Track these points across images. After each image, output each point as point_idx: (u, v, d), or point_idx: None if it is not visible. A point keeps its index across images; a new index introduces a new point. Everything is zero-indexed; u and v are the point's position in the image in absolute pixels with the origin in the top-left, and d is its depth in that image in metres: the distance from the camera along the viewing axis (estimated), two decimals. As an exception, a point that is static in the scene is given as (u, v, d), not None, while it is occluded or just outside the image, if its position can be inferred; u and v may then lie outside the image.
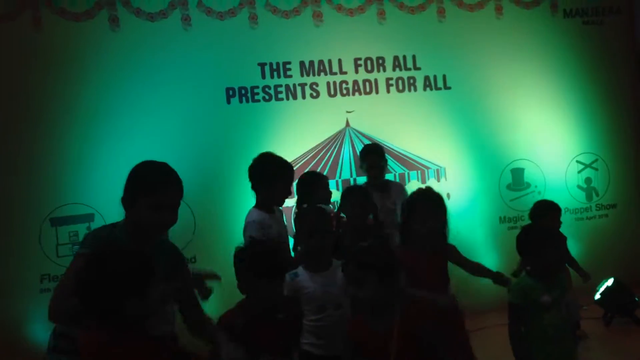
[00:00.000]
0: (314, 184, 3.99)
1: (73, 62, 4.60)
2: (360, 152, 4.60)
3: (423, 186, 3.39)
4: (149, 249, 2.18)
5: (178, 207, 2.24)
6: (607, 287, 4.87)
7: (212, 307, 4.60)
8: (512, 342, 2.81)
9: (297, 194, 4.03)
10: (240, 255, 2.49)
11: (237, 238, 4.84)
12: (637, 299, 4.81)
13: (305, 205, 3.64)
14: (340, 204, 3.81)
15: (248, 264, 2.42)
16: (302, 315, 2.67)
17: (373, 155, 4.43)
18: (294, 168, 4.89)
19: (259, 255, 2.46)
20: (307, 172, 4.44)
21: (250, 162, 4.87)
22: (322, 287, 2.83)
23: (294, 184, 3.87)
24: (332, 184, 5.11)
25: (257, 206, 3.43)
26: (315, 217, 2.99)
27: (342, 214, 3.85)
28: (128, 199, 2.20)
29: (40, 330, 4.43)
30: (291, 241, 3.70)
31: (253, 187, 3.47)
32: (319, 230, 2.88)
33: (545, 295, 2.75)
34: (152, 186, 2.16)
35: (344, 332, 2.58)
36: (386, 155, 4.59)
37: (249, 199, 4.92)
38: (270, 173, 3.38)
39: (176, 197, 2.22)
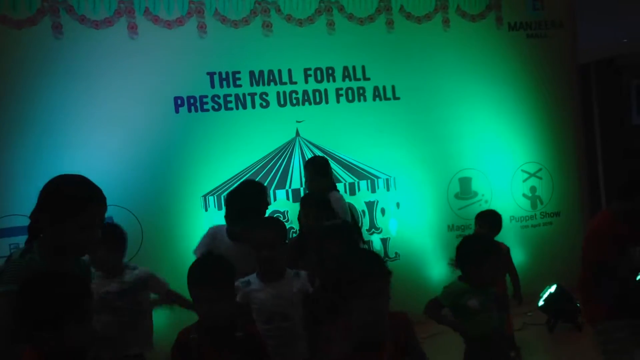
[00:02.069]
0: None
1: (14, 72, 4.47)
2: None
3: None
4: (69, 268, 2.11)
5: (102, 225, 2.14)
6: (550, 294, 5.00)
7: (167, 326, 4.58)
8: (437, 318, 2.91)
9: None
10: (189, 271, 2.48)
11: (185, 250, 4.83)
12: (579, 304, 4.94)
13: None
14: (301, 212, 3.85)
15: (190, 279, 2.40)
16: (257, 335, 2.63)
17: (306, 170, 4.51)
18: (244, 178, 4.97)
19: (201, 268, 2.44)
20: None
21: (198, 173, 4.91)
22: (272, 298, 2.82)
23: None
24: (281, 193, 5.12)
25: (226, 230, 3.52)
26: (267, 227, 2.98)
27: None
28: (46, 219, 2.02)
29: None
30: None
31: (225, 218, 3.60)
32: (269, 244, 2.86)
33: (473, 300, 2.81)
34: (78, 205, 2.01)
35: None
36: (333, 165, 4.63)
37: (197, 210, 4.92)
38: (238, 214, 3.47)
39: (103, 214, 2.10)
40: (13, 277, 1.93)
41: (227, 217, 3.61)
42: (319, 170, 4.41)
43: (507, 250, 4.36)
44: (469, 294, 2.82)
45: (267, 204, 3.96)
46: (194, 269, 2.46)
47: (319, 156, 4.82)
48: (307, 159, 5.14)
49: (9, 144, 4.47)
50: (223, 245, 3.43)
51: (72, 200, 2.02)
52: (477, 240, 3.04)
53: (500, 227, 4.39)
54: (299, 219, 3.95)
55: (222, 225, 3.62)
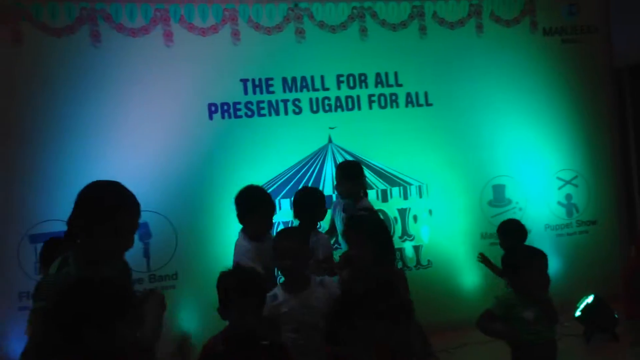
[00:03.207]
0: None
1: (55, 78, 4.56)
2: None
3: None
4: (105, 274, 2.10)
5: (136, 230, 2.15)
6: (588, 304, 4.90)
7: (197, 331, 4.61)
8: (487, 329, 2.88)
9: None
10: (222, 280, 2.48)
11: (219, 255, 4.88)
12: (616, 315, 4.84)
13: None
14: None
15: (227, 289, 2.42)
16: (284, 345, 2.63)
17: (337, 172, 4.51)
18: (277, 184, 5.00)
19: (238, 281, 2.46)
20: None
21: (231, 178, 4.93)
22: (299, 308, 2.83)
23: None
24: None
25: (243, 231, 3.53)
26: (289, 240, 2.97)
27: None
28: (81, 224, 2.05)
29: (17, 348, 4.37)
30: None
31: (237, 217, 3.60)
32: (292, 253, 2.87)
33: (528, 311, 2.79)
34: (111, 210, 2.03)
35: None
36: (365, 172, 4.62)
37: (231, 215, 4.93)
38: (250, 206, 3.50)
39: (137, 220, 2.12)
40: (49, 293, 1.94)
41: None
42: (346, 173, 4.36)
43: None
44: (523, 305, 2.80)
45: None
46: (228, 278, 2.48)
47: (349, 160, 4.84)
48: (339, 165, 5.16)
49: (47, 150, 4.56)
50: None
51: (105, 206, 2.04)
52: (523, 251, 3.00)
53: (526, 234, 4.40)
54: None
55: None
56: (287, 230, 3.24)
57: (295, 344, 2.81)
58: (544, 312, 2.86)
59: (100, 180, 2.14)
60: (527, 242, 5.13)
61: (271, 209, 3.65)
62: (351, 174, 4.34)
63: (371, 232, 3.08)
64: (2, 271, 4.44)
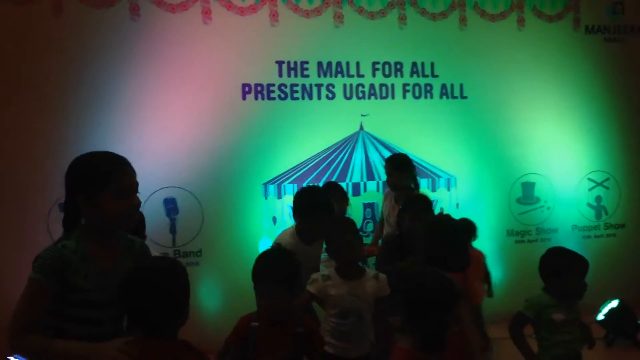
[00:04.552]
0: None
1: (91, 51, 4.57)
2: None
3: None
4: (117, 247, 2.13)
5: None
6: (612, 309, 4.86)
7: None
8: (516, 341, 2.87)
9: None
10: (259, 258, 2.50)
11: (243, 235, 4.91)
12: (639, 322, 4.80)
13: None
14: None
15: (253, 271, 2.44)
16: (319, 335, 2.64)
17: (387, 164, 4.57)
18: (306, 168, 4.99)
19: (263, 261, 2.47)
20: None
21: (260, 160, 4.94)
22: (348, 296, 2.85)
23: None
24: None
25: (296, 230, 3.44)
26: (344, 228, 2.99)
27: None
28: (81, 199, 2.01)
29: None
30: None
31: (293, 217, 3.51)
32: (346, 241, 2.89)
33: (559, 313, 2.78)
34: (114, 172, 2.02)
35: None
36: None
37: (257, 197, 4.97)
38: (307, 211, 3.34)
39: (135, 179, 2.09)
40: (42, 265, 1.96)
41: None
42: (397, 165, 4.46)
43: (483, 256, 4.46)
44: (554, 307, 2.80)
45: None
46: (257, 261, 2.49)
47: (399, 152, 4.87)
48: (369, 153, 5.13)
49: (82, 121, 4.58)
50: None
51: (104, 170, 2.02)
52: (561, 252, 2.97)
53: (476, 234, 4.54)
54: (399, 219, 3.86)
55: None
56: (344, 222, 3.19)
57: (338, 329, 2.87)
58: (583, 334, 2.86)
59: (83, 154, 2.11)
60: (555, 243, 5.13)
61: (329, 216, 3.38)
62: (401, 165, 4.45)
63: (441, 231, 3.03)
64: (32, 238, 4.49)
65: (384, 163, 4.67)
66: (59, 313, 2.00)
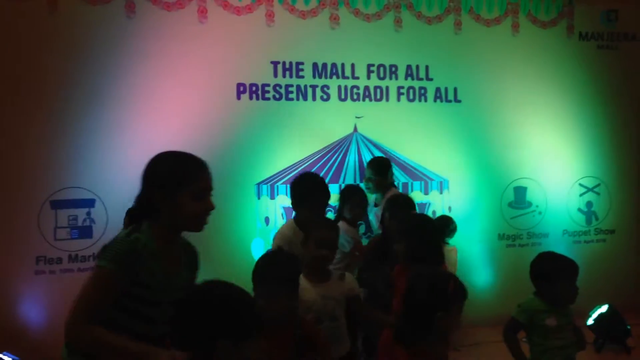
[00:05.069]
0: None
1: (86, 47, 4.55)
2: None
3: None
4: (178, 249, 2.11)
5: None
6: (601, 314, 4.89)
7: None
8: (510, 347, 2.89)
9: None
10: (260, 260, 2.50)
11: (239, 236, 4.89)
12: (629, 327, 4.83)
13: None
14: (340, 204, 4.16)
15: (262, 271, 2.43)
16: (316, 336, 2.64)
17: (366, 171, 4.72)
18: (299, 169, 4.99)
19: (262, 264, 2.46)
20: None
21: (254, 160, 4.93)
22: (321, 299, 2.84)
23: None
24: (335, 188, 5.10)
25: (295, 219, 3.48)
26: (330, 231, 2.97)
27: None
28: (160, 196, 2.00)
29: (32, 311, 4.43)
30: None
31: (292, 205, 3.57)
32: (331, 244, 2.89)
33: (552, 318, 2.78)
34: (197, 173, 2.02)
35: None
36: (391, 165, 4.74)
37: (250, 198, 4.95)
38: (301, 195, 3.43)
39: (212, 180, 2.09)
40: (115, 255, 1.92)
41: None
42: (375, 169, 4.60)
43: (456, 251, 4.88)
44: (547, 313, 2.80)
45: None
46: (258, 263, 2.48)
47: (378, 156, 4.90)
48: (362, 155, 5.14)
49: (75, 118, 4.56)
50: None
51: (188, 170, 2.02)
52: (552, 257, 2.97)
53: (455, 230, 4.97)
54: (382, 219, 3.93)
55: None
56: (327, 221, 3.21)
57: None
58: (576, 338, 2.87)
59: (165, 152, 2.09)
60: (546, 248, 5.15)
61: (325, 198, 3.50)
62: (379, 169, 4.58)
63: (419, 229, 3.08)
64: (22, 235, 4.48)
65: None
66: (116, 304, 1.95)
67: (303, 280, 2.88)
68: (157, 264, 1.99)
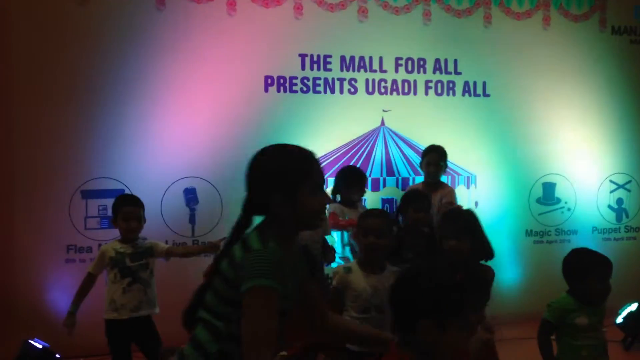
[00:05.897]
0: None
1: (115, 39, 4.60)
2: (423, 150, 4.80)
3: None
4: (297, 252, 1.93)
5: None
6: (630, 312, 4.81)
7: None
8: (542, 350, 2.85)
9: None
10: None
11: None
12: (659, 326, 4.75)
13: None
14: (401, 206, 4.08)
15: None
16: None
17: (433, 154, 4.67)
18: (326, 162, 4.99)
19: None
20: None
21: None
22: (371, 289, 2.85)
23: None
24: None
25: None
26: (375, 218, 2.97)
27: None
28: (278, 198, 1.76)
29: (62, 298, 4.49)
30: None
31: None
32: (376, 232, 2.87)
33: (582, 317, 2.74)
34: (309, 167, 1.81)
35: None
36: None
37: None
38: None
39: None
40: (269, 271, 1.68)
41: None
42: (444, 156, 4.72)
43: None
44: (578, 312, 2.75)
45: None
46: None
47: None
48: (389, 148, 5.12)
49: (105, 109, 4.61)
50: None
51: (300, 163, 1.82)
52: (585, 253, 2.92)
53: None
54: (399, 213, 3.98)
55: None
56: (375, 211, 3.20)
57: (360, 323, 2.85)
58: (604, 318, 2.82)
59: (266, 148, 1.87)
60: (574, 245, 5.08)
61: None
62: (443, 155, 4.73)
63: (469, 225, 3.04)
64: (53, 224, 4.55)
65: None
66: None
67: (357, 269, 2.90)
68: (288, 272, 1.80)
